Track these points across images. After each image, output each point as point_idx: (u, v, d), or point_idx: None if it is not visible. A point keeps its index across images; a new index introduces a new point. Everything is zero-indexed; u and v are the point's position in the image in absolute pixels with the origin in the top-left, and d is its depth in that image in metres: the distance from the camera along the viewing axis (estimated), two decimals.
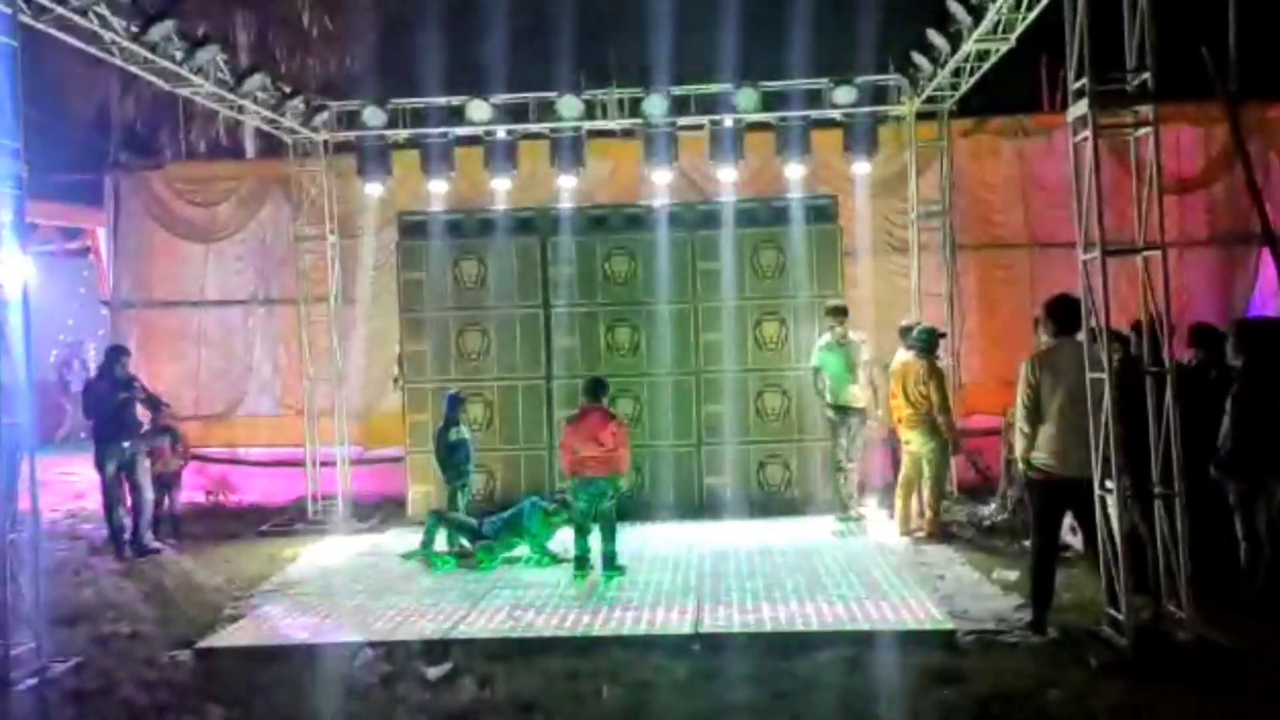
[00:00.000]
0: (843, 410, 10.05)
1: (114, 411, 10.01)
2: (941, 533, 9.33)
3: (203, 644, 6.98)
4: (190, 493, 12.72)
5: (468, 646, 6.73)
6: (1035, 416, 6.61)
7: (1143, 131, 6.34)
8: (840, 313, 10.16)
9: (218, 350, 13.19)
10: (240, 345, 13.17)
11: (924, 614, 7.02)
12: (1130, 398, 6.21)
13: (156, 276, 13.19)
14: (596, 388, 8.68)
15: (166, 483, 10.68)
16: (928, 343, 9.56)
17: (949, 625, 6.75)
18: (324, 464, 12.27)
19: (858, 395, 10.06)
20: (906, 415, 9.41)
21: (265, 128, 11.69)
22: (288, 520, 11.28)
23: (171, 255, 13.14)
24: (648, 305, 11.01)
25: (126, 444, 10.03)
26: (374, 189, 11.74)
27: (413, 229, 11.38)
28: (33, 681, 6.36)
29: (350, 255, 12.44)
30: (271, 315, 13.09)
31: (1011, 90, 12.27)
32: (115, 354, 10.36)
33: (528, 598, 7.82)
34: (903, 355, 9.75)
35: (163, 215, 13.06)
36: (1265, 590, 6.74)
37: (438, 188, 11.63)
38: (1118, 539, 6.13)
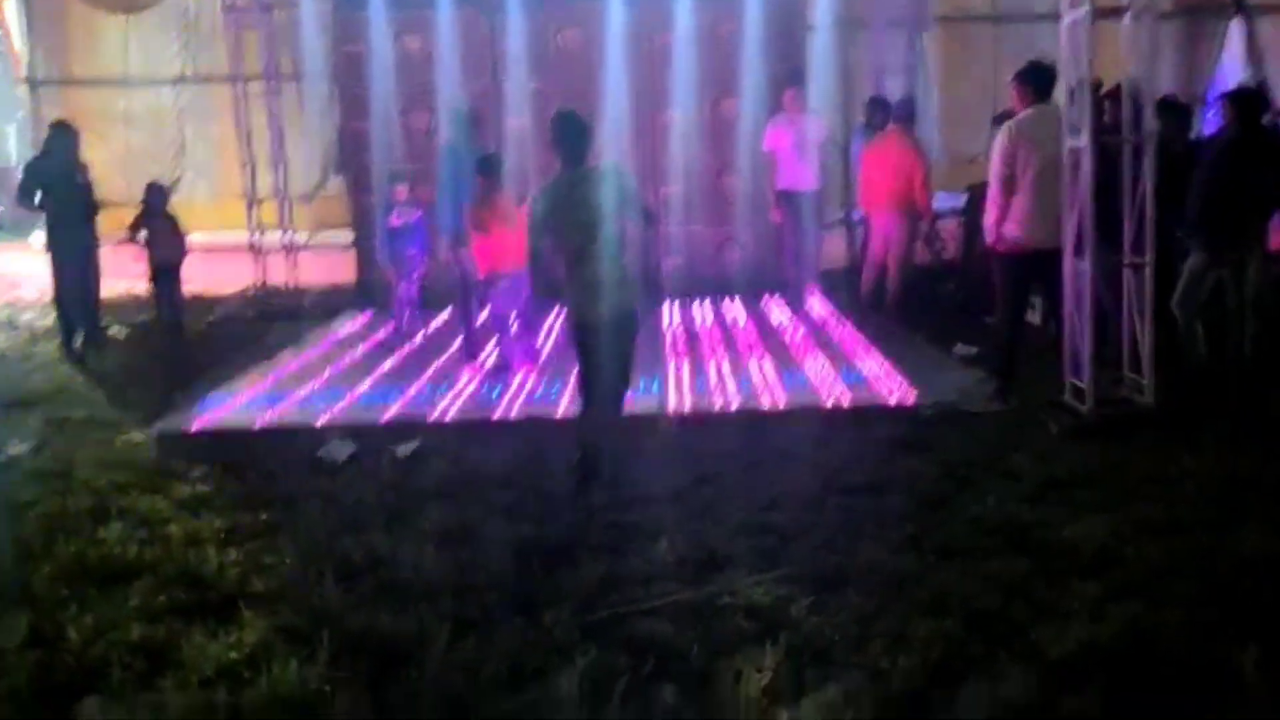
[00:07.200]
0: (792, 193, 9.83)
1: (73, 194, 9.28)
2: (904, 310, 9.32)
3: (163, 427, 6.86)
4: (130, 281, 12.35)
5: (436, 426, 6.73)
6: (1009, 187, 6.51)
7: None
8: (796, 82, 9.84)
9: (146, 132, 12.46)
10: (171, 126, 12.45)
11: (887, 388, 7.13)
12: (1103, 167, 6.11)
13: (74, 51, 12.29)
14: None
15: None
16: (911, 115, 9.40)
17: (913, 398, 6.86)
18: (269, 251, 11.96)
19: (809, 176, 9.81)
20: (885, 192, 9.09)
21: None
22: (237, 309, 10.99)
23: (89, 28, 12.20)
24: (602, 82, 10.51)
25: (88, 230, 9.43)
26: None
27: None
28: None
29: (284, 26, 11.68)
30: (203, 94, 12.35)
31: None
32: (65, 132, 9.43)
33: (492, 383, 7.73)
34: (884, 131, 9.50)
35: None
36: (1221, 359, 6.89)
37: None
38: (1086, 308, 6.16)
